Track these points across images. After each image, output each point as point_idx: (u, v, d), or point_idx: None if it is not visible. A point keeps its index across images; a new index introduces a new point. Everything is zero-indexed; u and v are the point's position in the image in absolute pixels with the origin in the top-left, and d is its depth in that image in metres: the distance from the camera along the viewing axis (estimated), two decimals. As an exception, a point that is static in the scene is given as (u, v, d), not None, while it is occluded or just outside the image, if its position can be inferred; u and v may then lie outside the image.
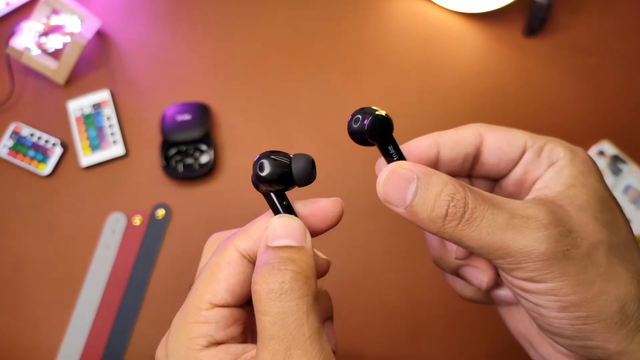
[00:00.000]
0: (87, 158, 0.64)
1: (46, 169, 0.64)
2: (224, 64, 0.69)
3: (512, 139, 0.25)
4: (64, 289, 0.58)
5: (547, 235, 0.20)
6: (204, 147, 0.63)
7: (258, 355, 0.20)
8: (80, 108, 0.66)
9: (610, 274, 0.21)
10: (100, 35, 0.71)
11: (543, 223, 0.21)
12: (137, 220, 0.61)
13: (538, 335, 0.26)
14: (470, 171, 0.27)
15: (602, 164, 0.60)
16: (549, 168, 0.24)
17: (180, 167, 0.63)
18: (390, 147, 0.24)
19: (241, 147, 0.64)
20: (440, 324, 0.55)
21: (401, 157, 0.24)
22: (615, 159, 0.60)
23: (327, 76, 0.68)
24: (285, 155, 0.22)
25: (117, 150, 0.64)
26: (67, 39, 0.67)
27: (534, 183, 0.25)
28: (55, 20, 0.67)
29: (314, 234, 0.24)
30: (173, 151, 0.63)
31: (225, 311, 0.22)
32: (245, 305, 0.24)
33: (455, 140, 0.25)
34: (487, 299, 0.29)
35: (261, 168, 0.22)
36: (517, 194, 0.26)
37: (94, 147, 0.64)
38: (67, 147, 0.65)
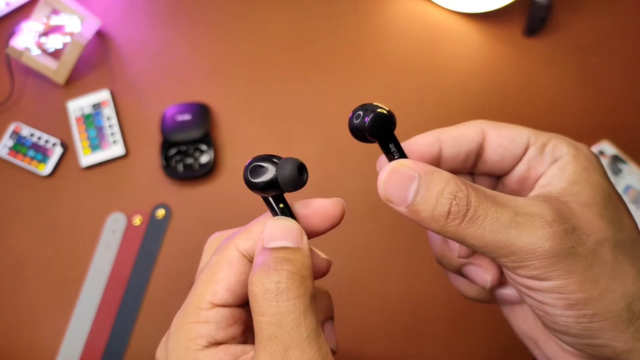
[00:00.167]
0: (87, 158, 0.64)
1: (46, 169, 0.63)
2: (223, 63, 0.69)
3: (515, 135, 0.25)
4: (63, 289, 0.58)
5: (552, 232, 0.20)
6: (204, 147, 0.63)
7: (256, 356, 0.20)
8: (80, 108, 0.66)
9: (617, 271, 0.21)
10: (100, 35, 0.71)
11: (547, 220, 0.20)
12: (137, 220, 0.61)
13: (543, 334, 0.26)
14: (472, 168, 0.27)
15: (602, 164, 0.60)
16: (553, 165, 0.24)
17: (180, 167, 0.62)
18: (391, 145, 0.24)
19: (241, 147, 0.64)
20: (441, 324, 0.55)
21: (402, 155, 0.24)
22: (615, 159, 0.60)
23: (327, 76, 0.67)
24: (273, 161, 0.22)
25: (117, 150, 0.64)
26: (67, 39, 0.67)
27: (537, 180, 0.25)
28: (55, 20, 0.67)
29: (315, 234, 0.24)
30: (173, 151, 0.63)
31: (225, 311, 0.22)
32: (245, 305, 0.23)
33: (457, 137, 0.25)
34: (490, 298, 0.29)
35: (246, 175, 0.22)
36: (521, 191, 0.26)
37: (94, 147, 0.64)
38: (67, 147, 0.65)
